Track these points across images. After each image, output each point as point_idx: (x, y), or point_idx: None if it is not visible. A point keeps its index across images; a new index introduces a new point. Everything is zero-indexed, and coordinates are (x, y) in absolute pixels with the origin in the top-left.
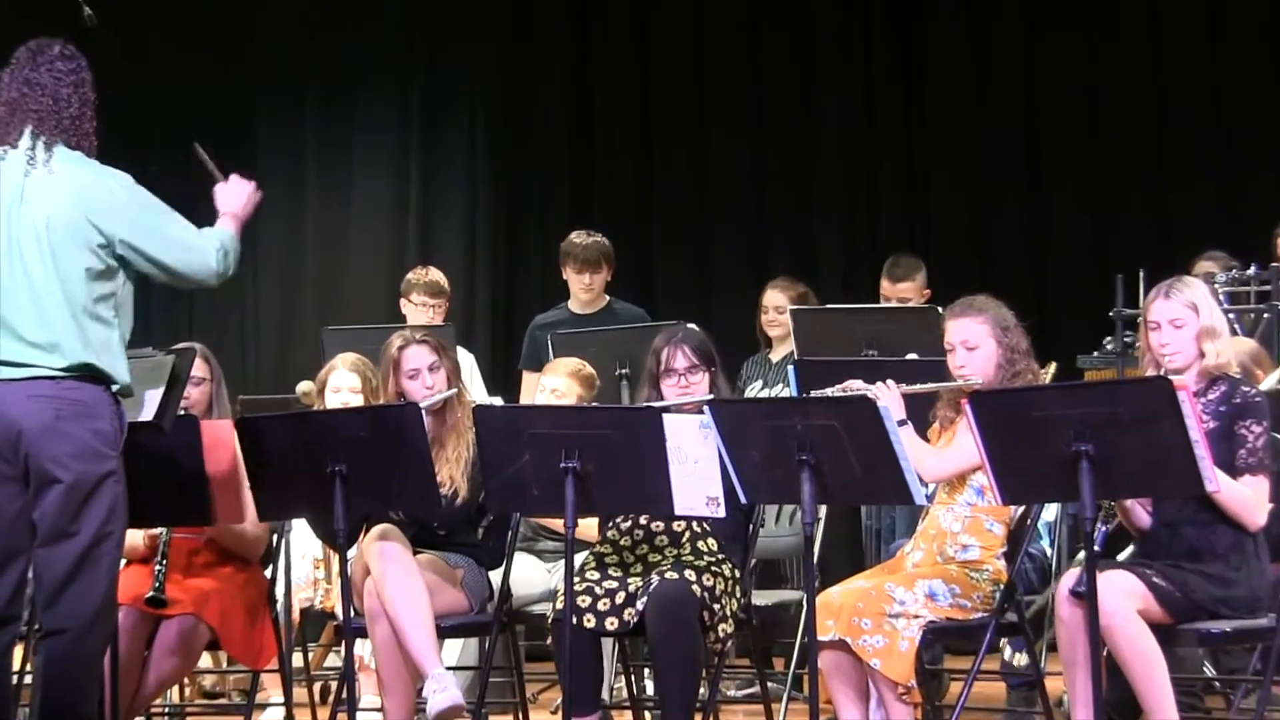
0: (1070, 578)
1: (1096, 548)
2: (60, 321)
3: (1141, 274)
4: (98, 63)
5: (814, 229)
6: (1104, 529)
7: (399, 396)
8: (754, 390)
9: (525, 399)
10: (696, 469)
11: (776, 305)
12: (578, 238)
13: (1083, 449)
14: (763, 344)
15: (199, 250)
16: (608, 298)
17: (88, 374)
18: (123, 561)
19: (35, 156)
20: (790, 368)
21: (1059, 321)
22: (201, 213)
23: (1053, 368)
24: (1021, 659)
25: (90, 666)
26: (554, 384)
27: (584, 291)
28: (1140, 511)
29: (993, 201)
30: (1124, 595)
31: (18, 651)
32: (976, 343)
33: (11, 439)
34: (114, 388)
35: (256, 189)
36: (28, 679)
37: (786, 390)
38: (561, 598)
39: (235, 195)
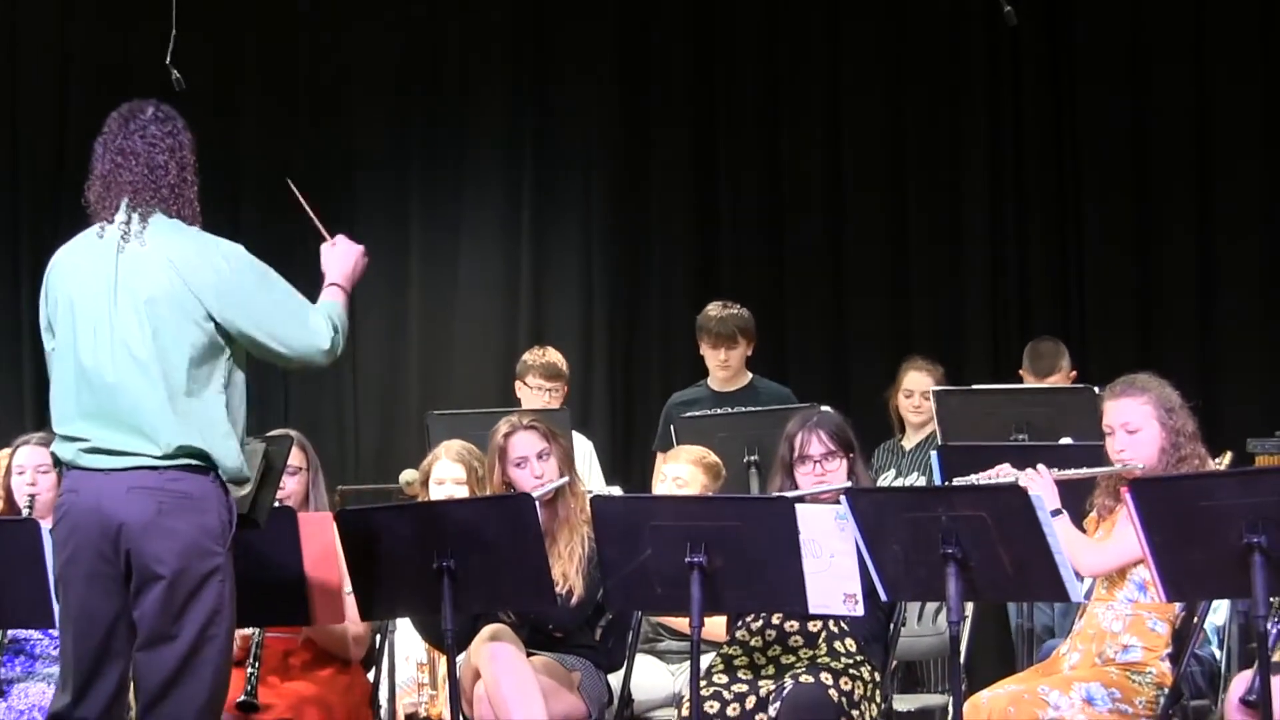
0: (1241, 683)
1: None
2: (159, 401)
3: None
4: (187, 121)
5: (958, 303)
6: (1276, 628)
7: (506, 486)
8: (887, 480)
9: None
10: (833, 563)
11: (922, 389)
12: (713, 310)
13: (1255, 541)
14: (896, 429)
15: (311, 330)
16: (750, 375)
17: (191, 460)
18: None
19: (129, 230)
20: (934, 454)
21: (1228, 403)
22: (295, 274)
23: (1227, 457)
24: None
25: None
26: (676, 472)
27: (720, 369)
28: None
29: (1154, 273)
30: None
31: None
32: (1139, 425)
33: (110, 535)
34: (223, 474)
35: (365, 254)
36: None
37: (922, 480)
38: (687, 703)
39: (343, 260)
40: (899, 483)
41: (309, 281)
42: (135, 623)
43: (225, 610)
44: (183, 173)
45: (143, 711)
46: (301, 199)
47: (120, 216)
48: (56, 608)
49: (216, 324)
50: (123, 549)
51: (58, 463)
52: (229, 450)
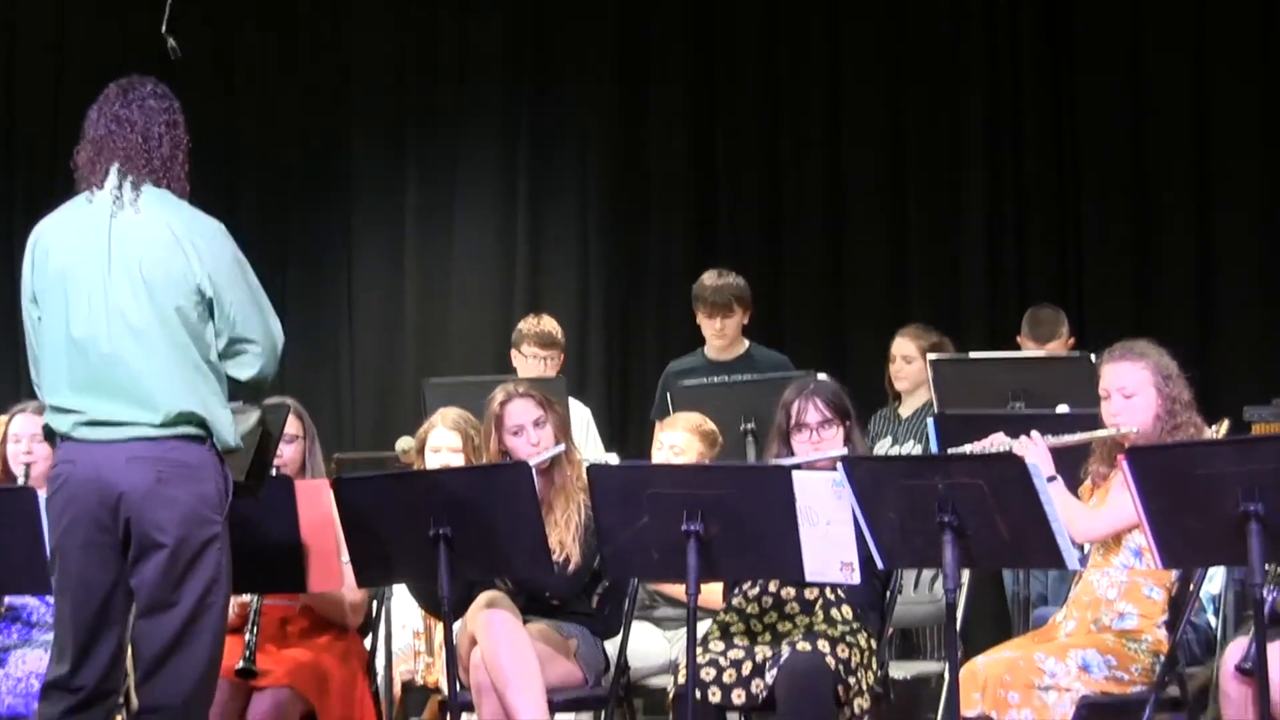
0: (1236, 650)
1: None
2: (160, 368)
3: None
4: (184, 95)
5: (956, 273)
6: (1272, 596)
7: (502, 455)
8: (882, 448)
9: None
10: (829, 531)
11: (905, 354)
12: (708, 279)
13: (1251, 509)
14: (891, 397)
15: (272, 326)
16: (747, 343)
17: (188, 429)
18: None
19: (122, 197)
20: (930, 421)
21: (1225, 373)
22: (289, 261)
23: (1224, 425)
24: None
25: None
26: (673, 440)
27: (716, 337)
28: None
29: (1152, 242)
30: None
31: None
32: (1135, 390)
33: (110, 504)
34: (217, 444)
35: None
36: None
37: (917, 448)
38: (684, 670)
39: None
40: (895, 451)
41: (304, 274)
42: (132, 591)
43: (222, 578)
44: (175, 149)
45: (142, 678)
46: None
47: (111, 182)
48: (53, 577)
49: (203, 297)
50: (122, 518)
51: (50, 435)
52: (225, 420)
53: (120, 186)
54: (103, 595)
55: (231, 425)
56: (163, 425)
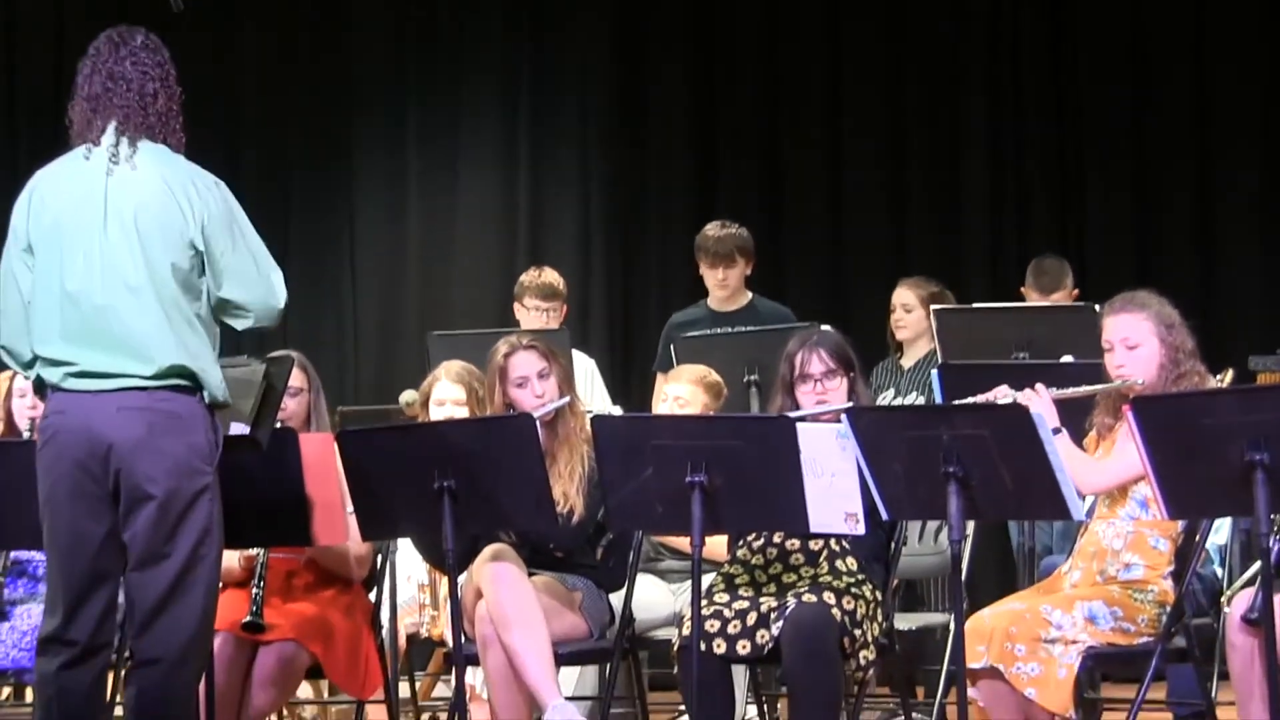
0: (1243, 601)
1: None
2: (153, 323)
3: None
4: (186, 52)
5: (958, 224)
6: (1278, 546)
7: (506, 407)
8: (885, 400)
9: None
10: (834, 482)
11: (905, 303)
12: (711, 230)
13: (1257, 459)
14: (893, 348)
15: (268, 276)
16: (750, 294)
17: (180, 381)
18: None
19: (119, 154)
20: (934, 372)
21: (1228, 322)
22: (291, 214)
23: (1229, 375)
24: None
25: (185, 699)
26: (677, 392)
27: (719, 288)
28: None
29: (1153, 192)
30: None
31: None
32: (1138, 340)
33: (100, 455)
34: (208, 398)
35: None
36: (119, 710)
37: (920, 399)
38: (688, 622)
39: None
40: (898, 402)
41: (307, 226)
42: (125, 544)
43: (214, 530)
44: (170, 103)
45: (138, 630)
46: None
47: (108, 139)
48: (44, 529)
49: (196, 251)
50: (112, 469)
51: (40, 387)
52: (215, 376)
53: (117, 144)
54: (95, 547)
55: (222, 381)
56: (154, 377)
